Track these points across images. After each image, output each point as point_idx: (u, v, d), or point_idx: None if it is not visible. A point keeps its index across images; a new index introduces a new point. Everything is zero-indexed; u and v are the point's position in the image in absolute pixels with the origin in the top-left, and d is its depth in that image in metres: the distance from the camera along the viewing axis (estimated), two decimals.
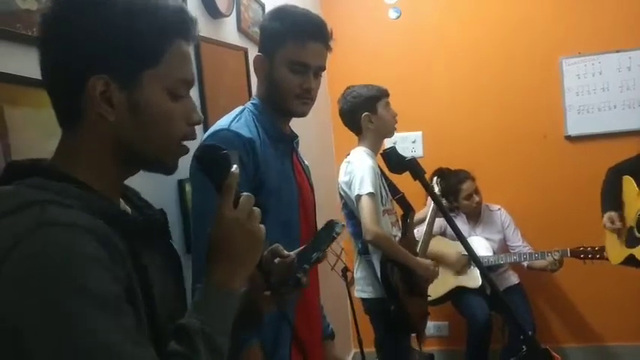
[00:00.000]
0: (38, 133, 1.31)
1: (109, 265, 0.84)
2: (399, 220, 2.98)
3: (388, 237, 2.76)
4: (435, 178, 3.47)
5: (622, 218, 3.06)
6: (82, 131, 0.96)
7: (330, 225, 1.24)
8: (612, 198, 3.11)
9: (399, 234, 2.91)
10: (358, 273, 2.94)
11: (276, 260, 1.17)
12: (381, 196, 2.85)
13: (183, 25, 1.00)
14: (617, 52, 4.03)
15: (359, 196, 2.75)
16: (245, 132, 1.70)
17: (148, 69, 0.96)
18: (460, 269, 3.77)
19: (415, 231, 3.16)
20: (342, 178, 2.90)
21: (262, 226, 1.06)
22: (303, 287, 1.15)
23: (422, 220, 3.36)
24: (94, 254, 0.83)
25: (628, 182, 3.08)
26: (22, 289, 0.78)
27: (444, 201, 3.65)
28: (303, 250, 1.21)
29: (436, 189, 3.43)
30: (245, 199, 1.04)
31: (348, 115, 2.98)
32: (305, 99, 1.82)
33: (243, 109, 1.82)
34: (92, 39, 0.92)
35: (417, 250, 3.03)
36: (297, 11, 1.85)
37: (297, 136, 1.93)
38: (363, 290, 2.91)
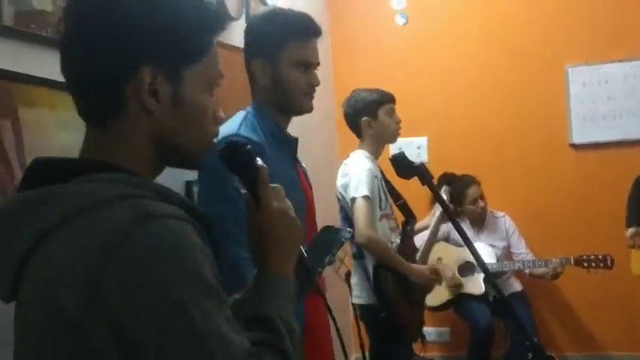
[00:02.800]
0: (52, 133, 1.32)
1: (207, 253, 0.86)
2: (400, 225, 2.95)
3: (382, 241, 2.72)
4: (444, 187, 3.42)
5: None
6: (122, 126, 0.93)
7: (332, 230, 1.25)
8: (633, 213, 3.11)
9: (398, 240, 2.87)
10: (354, 278, 2.85)
11: None
12: (380, 200, 2.82)
13: (222, 23, 1.02)
14: (623, 61, 4.03)
15: (354, 199, 2.72)
16: (254, 137, 1.72)
17: (192, 64, 0.96)
18: (454, 288, 3.76)
19: (416, 238, 3.14)
20: (339, 180, 2.88)
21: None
22: (317, 289, 1.16)
23: (425, 228, 3.31)
24: (200, 244, 0.84)
25: None
26: (139, 279, 0.78)
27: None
28: (311, 253, 1.21)
29: (445, 197, 3.33)
30: (279, 190, 1.07)
31: (349, 119, 2.98)
32: (311, 95, 1.84)
33: (247, 115, 1.83)
34: (141, 29, 0.91)
35: (417, 257, 2.97)
36: (289, 12, 1.88)
37: (297, 138, 1.95)
38: (358, 296, 2.85)
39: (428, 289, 2.90)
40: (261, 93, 1.87)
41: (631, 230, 3.09)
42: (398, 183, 2.89)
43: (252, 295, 1.01)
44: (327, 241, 1.23)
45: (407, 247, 2.90)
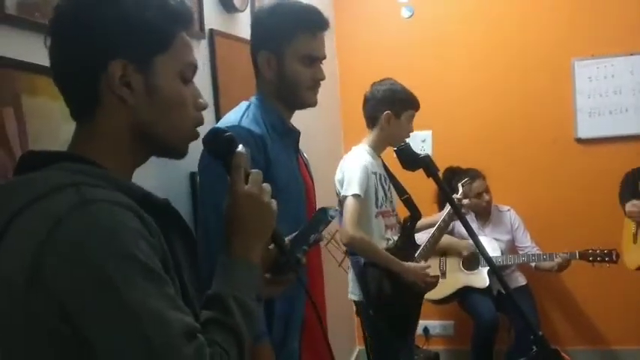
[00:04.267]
0: (56, 122, 1.32)
1: (149, 240, 0.90)
2: (401, 222, 2.91)
3: (365, 240, 2.66)
4: (460, 184, 3.27)
5: None
6: (100, 118, 0.99)
7: (323, 210, 1.27)
8: (630, 191, 3.11)
9: (395, 237, 2.84)
10: (349, 274, 2.87)
11: (271, 246, 1.19)
12: (377, 198, 2.78)
13: (187, 15, 1.08)
14: (631, 55, 4.00)
15: (344, 197, 2.68)
16: (255, 128, 1.71)
17: (160, 54, 1.00)
18: (470, 258, 3.72)
19: (421, 234, 3.10)
20: (337, 175, 2.84)
21: (274, 200, 1.13)
22: (303, 267, 1.20)
23: (431, 225, 3.18)
24: (138, 227, 0.89)
25: None
26: (74, 260, 0.84)
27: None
28: (297, 235, 1.24)
29: (460, 193, 3.20)
30: (255, 174, 1.11)
31: (371, 103, 2.89)
32: (316, 89, 1.83)
33: (249, 105, 1.82)
34: (108, 27, 0.97)
35: (417, 254, 2.91)
36: (297, 5, 1.86)
37: (299, 131, 1.94)
38: (352, 292, 2.85)
39: (424, 286, 2.81)
40: (265, 85, 1.86)
41: (631, 202, 3.09)
42: (403, 178, 2.89)
43: (215, 276, 1.05)
44: (314, 221, 1.25)
45: (405, 244, 2.85)
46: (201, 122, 1.09)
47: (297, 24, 1.79)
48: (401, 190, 2.93)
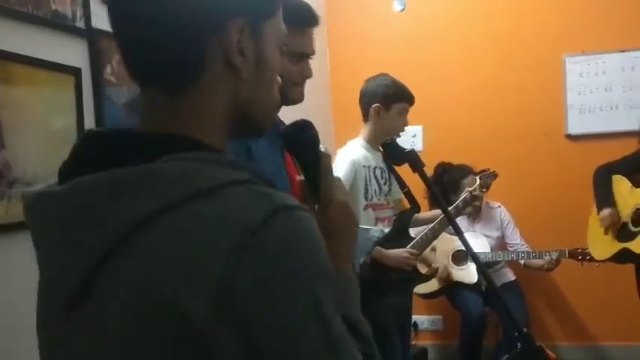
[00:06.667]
0: (35, 112, 1.29)
1: None
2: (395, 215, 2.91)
3: None
4: (477, 177, 3.18)
5: (617, 214, 3.10)
6: (204, 90, 0.78)
7: (361, 229, 1.21)
8: (607, 195, 3.13)
9: (386, 230, 2.81)
10: None
11: None
12: (366, 190, 2.79)
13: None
14: (622, 52, 4.00)
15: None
16: None
17: (270, 17, 0.84)
18: (445, 279, 3.71)
19: (419, 229, 3.05)
20: None
21: None
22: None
23: (431, 221, 3.07)
24: (322, 237, 0.74)
25: (619, 180, 3.13)
26: (280, 282, 0.66)
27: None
28: None
29: (464, 194, 3.10)
30: (341, 181, 1.00)
31: (364, 98, 2.92)
32: (302, 85, 1.81)
33: None
34: None
35: (408, 246, 2.87)
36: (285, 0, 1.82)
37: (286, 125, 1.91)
38: None
39: (410, 270, 2.81)
40: None
41: (607, 211, 3.11)
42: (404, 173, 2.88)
43: None
44: (360, 241, 1.17)
45: (396, 236, 2.85)
46: (279, 101, 0.92)
47: (286, 19, 1.77)
48: (401, 184, 2.94)
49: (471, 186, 3.78)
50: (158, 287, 0.66)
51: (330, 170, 0.97)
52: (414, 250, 2.85)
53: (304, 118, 1.02)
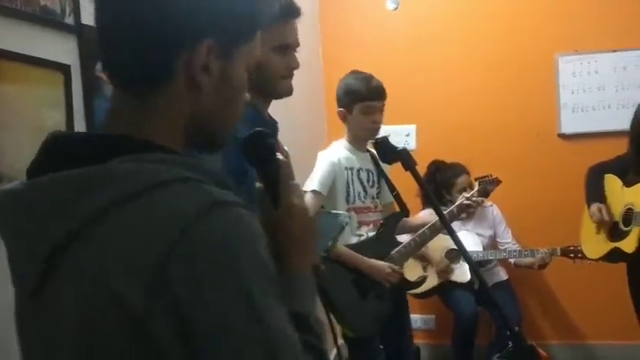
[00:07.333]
0: (24, 109, 1.28)
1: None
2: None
3: None
4: (477, 181, 3.05)
5: (609, 211, 3.09)
6: (167, 97, 0.85)
7: (330, 214, 1.24)
8: (597, 193, 3.15)
9: (370, 234, 2.77)
10: None
11: None
12: (347, 194, 2.74)
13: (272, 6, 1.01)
14: (614, 51, 4.01)
15: (304, 193, 2.63)
16: None
17: (245, 42, 0.91)
18: (444, 269, 3.71)
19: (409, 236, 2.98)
20: None
21: None
22: (321, 275, 1.14)
23: (421, 226, 2.96)
24: (262, 233, 0.79)
25: (611, 179, 3.13)
26: (213, 271, 0.72)
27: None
28: None
29: (461, 199, 2.93)
30: (299, 187, 1.04)
31: (337, 103, 2.85)
32: (290, 78, 1.80)
33: None
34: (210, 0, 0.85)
35: (393, 252, 2.81)
36: None
37: (276, 122, 1.91)
38: None
39: (387, 286, 2.71)
40: None
41: (595, 205, 3.13)
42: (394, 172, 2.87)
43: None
44: (327, 226, 1.21)
45: (380, 240, 2.79)
46: (241, 117, 0.99)
47: (268, 12, 1.76)
48: (390, 187, 2.87)
49: (464, 185, 3.80)
50: (105, 276, 0.72)
51: (289, 177, 1.02)
52: (397, 267, 2.75)
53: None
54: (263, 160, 1.04)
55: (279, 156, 1.04)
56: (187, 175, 0.78)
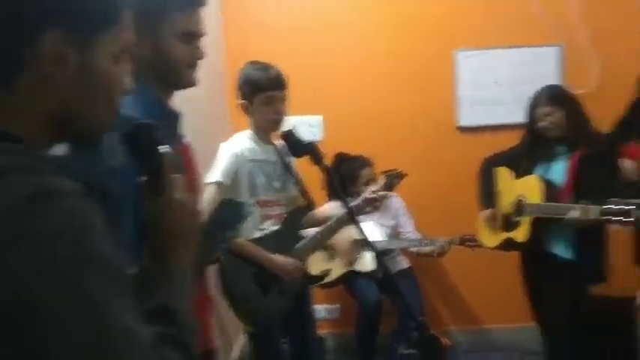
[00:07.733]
0: None
1: (106, 234, 0.80)
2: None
3: None
4: (385, 175, 2.99)
5: (497, 211, 3.25)
6: (25, 90, 0.85)
7: (233, 204, 1.22)
8: (488, 195, 3.28)
9: (273, 228, 2.73)
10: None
11: None
12: (252, 186, 2.68)
13: None
14: (510, 48, 4.18)
15: (205, 184, 2.56)
16: (132, 114, 1.59)
17: (104, 30, 0.89)
18: (352, 258, 3.75)
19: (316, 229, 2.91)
20: None
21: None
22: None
23: (327, 219, 2.89)
24: (100, 224, 0.78)
25: (502, 172, 3.26)
26: (40, 265, 0.72)
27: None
28: (210, 231, 1.18)
29: (366, 193, 2.85)
30: (181, 180, 1.05)
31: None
32: (195, 68, 1.74)
33: None
34: None
35: (297, 246, 2.78)
36: None
37: (179, 113, 1.83)
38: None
39: (287, 280, 2.69)
40: (140, 65, 1.74)
41: (483, 214, 3.29)
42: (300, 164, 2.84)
43: (152, 284, 0.96)
44: (229, 216, 1.19)
45: (283, 234, 2.75)
46: (119, 110, 0.98)
47: (172, 0, 1.69)
48: (296, 180, 2.83)
49: (368, 177, 3.84)
50: None
51: (171, 170, 1.03)
52: (300, 263, 2.74)
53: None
54: (145, 153, 1.03)
55: (166, 149, 1.04)
56: (21, 163, 0.78)
